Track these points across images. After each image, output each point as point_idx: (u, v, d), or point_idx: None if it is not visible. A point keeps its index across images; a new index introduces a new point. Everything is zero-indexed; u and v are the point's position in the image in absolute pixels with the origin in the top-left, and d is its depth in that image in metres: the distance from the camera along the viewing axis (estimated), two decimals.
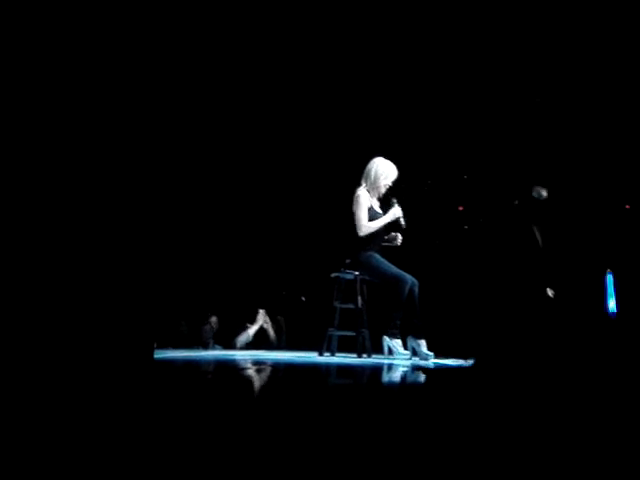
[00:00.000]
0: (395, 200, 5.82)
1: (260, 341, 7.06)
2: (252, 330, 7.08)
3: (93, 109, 3.43)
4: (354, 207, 5.79)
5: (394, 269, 5.76)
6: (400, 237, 5.88)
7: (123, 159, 3.47)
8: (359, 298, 5.84)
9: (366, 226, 5.74)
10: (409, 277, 5.68)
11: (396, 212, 5.79)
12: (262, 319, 7.13)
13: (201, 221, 7.23)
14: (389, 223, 5.81)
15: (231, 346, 6.97)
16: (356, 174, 5.95)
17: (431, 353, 5.60)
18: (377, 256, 5.83)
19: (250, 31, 6.68)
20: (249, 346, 7.01)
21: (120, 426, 2.16)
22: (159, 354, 5.21)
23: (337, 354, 5.85)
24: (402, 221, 5.82)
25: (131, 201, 3.49)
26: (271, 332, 7.16)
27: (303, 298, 7.55)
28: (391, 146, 6.31)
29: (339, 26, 6.89)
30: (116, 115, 3.48)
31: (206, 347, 6.80)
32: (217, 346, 6.93)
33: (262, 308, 7.15)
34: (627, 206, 6.82)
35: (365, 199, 5.78)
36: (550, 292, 5.93)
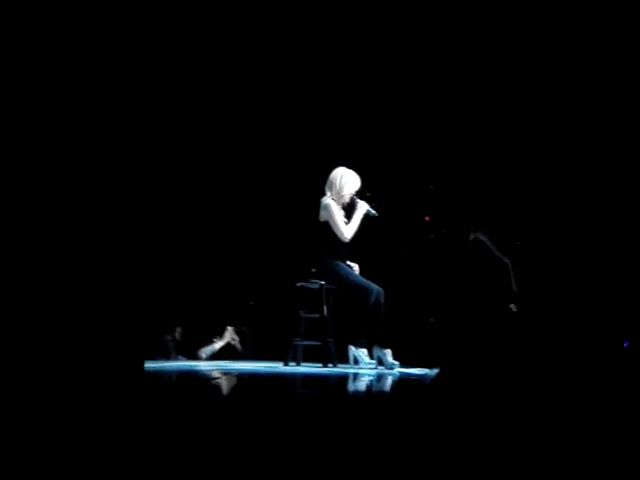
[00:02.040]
0: (355, 196, 5.84)
1: (226, 354, 7.02)
2: (218, 345, 7.04)
3: (90, 109, 3.39)
4: (326, 216, 5.79)
5: (360, 279, 5.78)
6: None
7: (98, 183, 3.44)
8: (325, 308, 5.84)
9: (347, 229, 5.77)
10: (375, 286, 5.70)
11: (362, 206, 5.83)
12: (229, 336, 7.10)
13: (167, 231, 7.15)
14: (363, 218, 5.83)
15: (195, 357, 6.90)
16: (319, 184, 5.95)
17: (397, 362, 5.61)
18: (343, 265, 5.83)
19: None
20: (214, 357, 6.95)
21: (104, 432, 2.13)
22: None
23: (302, 364, 5.83)
24: (372, 211, 5.86)
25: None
26: (238, 347, 7.13)
27: (275, 312, 7.52)
28: (353, 156, 6.32)
29: (301, 41, 6.90)
30: (102, 118, 3.44)
31: (168, 358, 6.72)
32: (180, 357, 6.85)
33: (230, 325, 7.12)
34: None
35: (335, 206, 5.79)
36: (513, 307, 5.96)
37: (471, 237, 5.98)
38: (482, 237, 5.93)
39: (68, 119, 3.34)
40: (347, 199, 5.86)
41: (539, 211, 6.64)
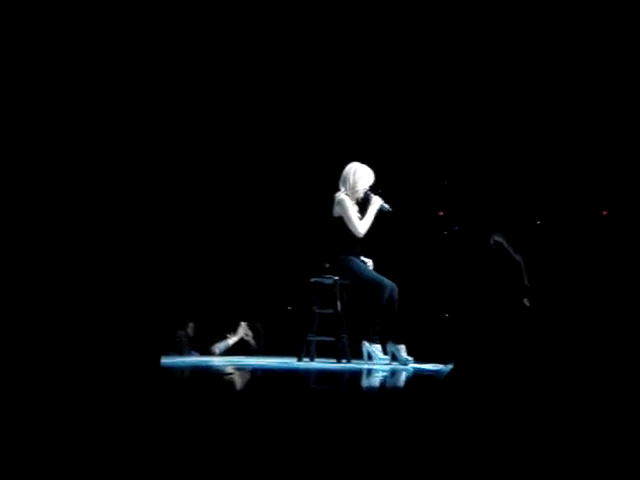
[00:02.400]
0: (369, 192, 5.83)
1: (239, 350, 7.02)
2: (232, 340, 7.04)
3: (92, 109, 3.39)
4: (340, 211, 5.78)
5: (373, 274, 5.77)
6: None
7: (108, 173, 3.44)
8: (338, 303, 5.82)
9: (361, 224, 5.76)
10: (388, 282, 5.68)
11: (376, 201, 5.82)
12: (243, 332, 7.10)
13: (180, 227, 7.16)
14: (377, 214, 5.82)
15: (208, 353, 6.91)
16: (333, 179, 5.94)
17: (410, 358, 5.59)
18: (356, 261, 5.82)
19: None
20: (227, 353, 6.95)
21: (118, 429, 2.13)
22: None
23: (316, 359, 5.82)
24: (386, 206, 5.84)
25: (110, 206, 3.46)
26: (252, 343, 7.13)
27: (289, 307, 7.51)
28: (366, 152, 6.29)
29: (314, 35, 6.87)
30: (106, 116, 3.44)
31: (181, 353, 6.72)
32: (194, 352, 6.86)
33: (244, 320, 7.12)
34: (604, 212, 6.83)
35: (349, 202, 5.78)
36: (527, 302, 5.94)
37: (491, 241, 5.96)
38: (498, 238, 5.91)
39: (75, 121, 3.34)
40: (361, 194, 5.84)
41: (551, 206, 6.60)
